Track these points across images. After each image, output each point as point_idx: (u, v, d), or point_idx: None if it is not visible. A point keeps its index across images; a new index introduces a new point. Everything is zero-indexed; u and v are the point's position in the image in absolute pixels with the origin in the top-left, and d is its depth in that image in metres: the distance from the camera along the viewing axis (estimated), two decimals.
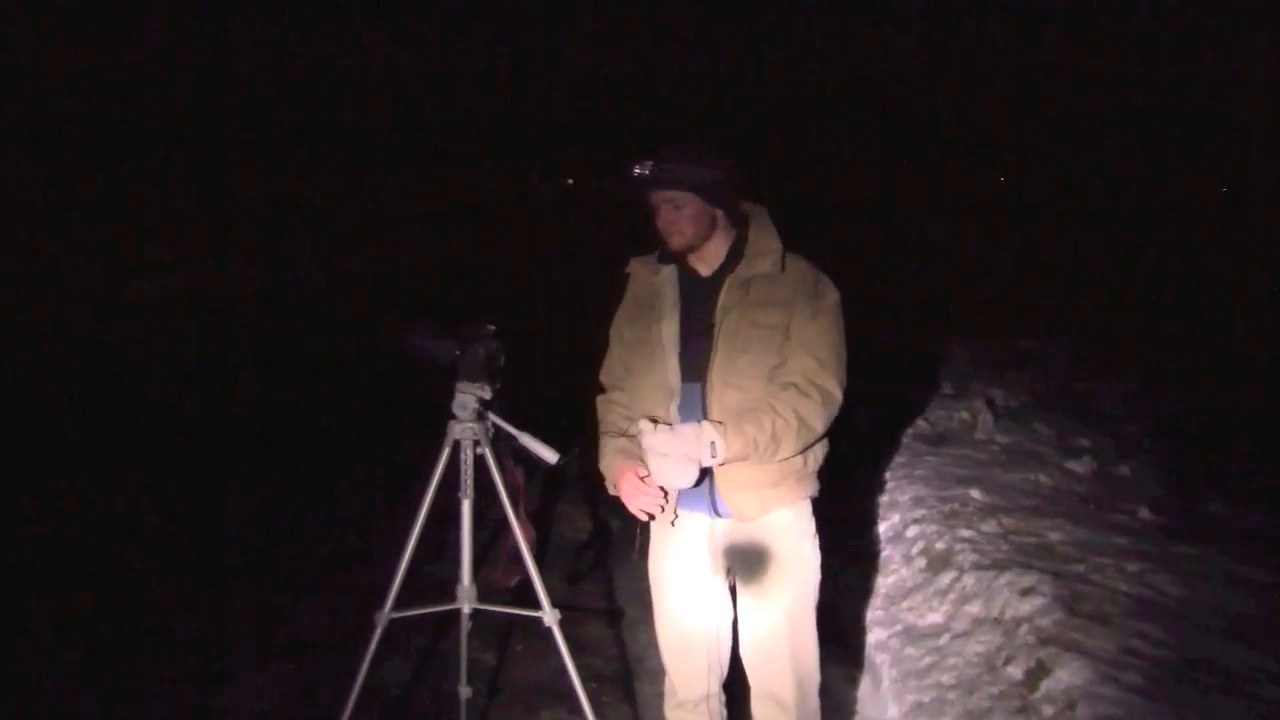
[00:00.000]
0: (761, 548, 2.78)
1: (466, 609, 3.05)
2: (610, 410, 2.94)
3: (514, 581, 3.02)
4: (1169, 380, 7.99)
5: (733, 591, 2.90)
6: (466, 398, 2.83)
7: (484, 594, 3.10)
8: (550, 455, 2.80)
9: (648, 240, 2.84)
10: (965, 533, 4.52)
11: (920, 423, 6.60)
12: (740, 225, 2.76)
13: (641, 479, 2.70)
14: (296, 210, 26.30)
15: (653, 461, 2.55)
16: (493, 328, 2.89)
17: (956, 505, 4.91)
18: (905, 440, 6.26)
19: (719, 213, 2.68)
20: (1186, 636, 3.44)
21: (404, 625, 3.08)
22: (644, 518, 2.78)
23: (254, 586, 4.93)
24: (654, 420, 2.60)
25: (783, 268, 2.68)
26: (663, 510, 2.74)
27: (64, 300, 14.50)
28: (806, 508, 2.82)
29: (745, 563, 2.81)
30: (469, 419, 2.84)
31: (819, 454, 2.79)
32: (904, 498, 5.20)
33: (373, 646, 2.95)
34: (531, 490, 5.41)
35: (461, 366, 2.82)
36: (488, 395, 2.84)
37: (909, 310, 12.20)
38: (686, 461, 2.52)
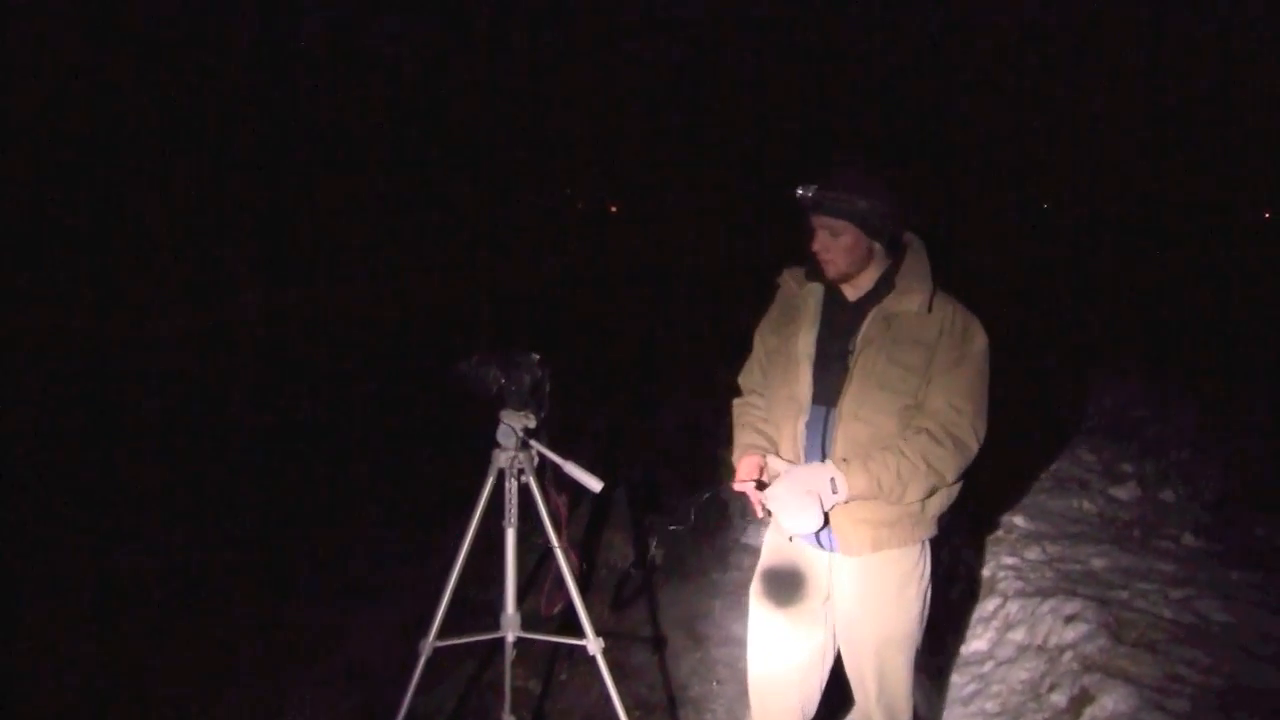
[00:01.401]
0: (864, 583, 2.77)
1: (511, 637, 3.07)
2: (747, 411, 2.94)
3: (557, 609, 3.05)
4: (1214, 404, 7.89)
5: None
6: (510, 427, 2.86)
7: (528, 622, 3.13)
8: (594, 483, 2.82)
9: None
10: (1009, 559, 4.50)
11: None
12: (897, 256, 2.72)
13: (760, 484, 2.70)
14: (342, 231, 26.56)
15: (774, 504, 2.55)
16: (538, 356, 2.92)
17: (1000, 532, 4.88)
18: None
19: (877, 245, 2.66)
20: (1233, 663, 3.40)
21: (449, 653, 3.11)
22: (756, 509, 2.75)
23: (299, 615, 4.98)
24: (758, 482, 2.61)
25: (930, 309, 2.63)
26: (758, 501, 2.71)
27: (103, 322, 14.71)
28: (918, 550, 2.78)
29: (847, 596, 2.80)
30: (513, 447, 2.87)
31: (942, 499, 2.73)
32: (947, 524, 5.17)
33: (417, 675, 2.98)
34: (575, 518, 5.45)
35: (506, 395, 2.86)
36: (532, 424, 2.88)
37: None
38: (806, 497, 2.52)
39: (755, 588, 2.94)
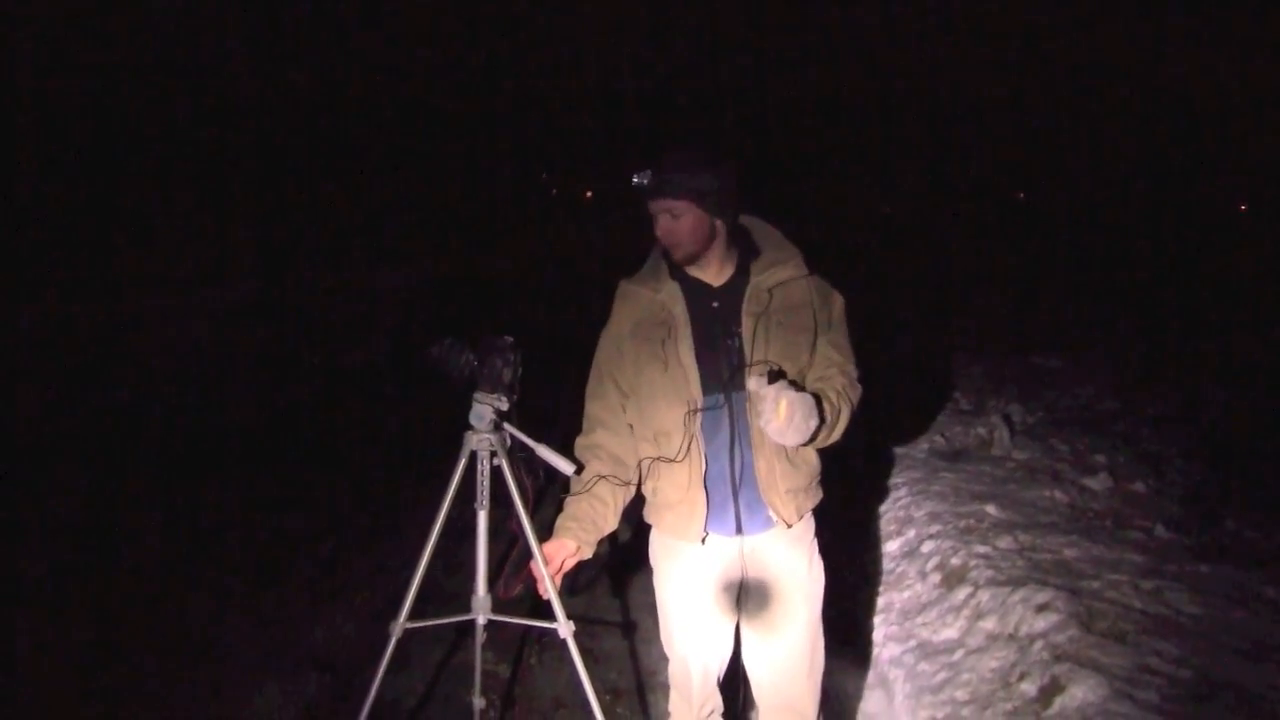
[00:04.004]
0: (785, 561, 2.80)
1: (481, 620, 3.06)
2: (589, 459, 2.84)
3: (516, 591, 3.03)
4: (1186, 397, 7.95)
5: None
6: (484, 408, 2.84)
7: (499, 605, 3.11)
8: (567, 466, 2.80)
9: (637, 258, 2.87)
10: (981, 548, 4.51)
11: (937, 438, 6.59)
12: (743, 238, 2.79)
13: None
14: (306, 220, 26.40)
15: (787, 412, 2.43)
16: (510, 339, 2.90)
17: (972, 521, 4.90)
18: (921, 455, 6.24)
19: (718, 222, 2.68)
20: (1204, 655, 3.42)
21: (419, 636, 3.09)
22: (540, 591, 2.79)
23: (266, 597, 4.95)
24: (769, 373, 2.56)
25: (809, 271, 2.74)
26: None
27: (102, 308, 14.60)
28: (813, 517, 2.87)
29: (768, 578, 2.82)
30: (486, 430, 2.85)
31: (821, 460, 2.83)
32: (920, 513, 5.19)
33: (387, 657, 2.96)
34: (545, 502, 5.44)
35: (479, 377, 2.84)
36: (505, 406, 2.86)
37: (924, 324, 12.20)
38: (810, 403, 2.47)
39: (672, 591, 2.92)
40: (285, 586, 5.08)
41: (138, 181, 21.90)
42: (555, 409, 3.43)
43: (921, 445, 6.48)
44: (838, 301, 2.81)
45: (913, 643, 4.06)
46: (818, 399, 2.53)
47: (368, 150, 30.66)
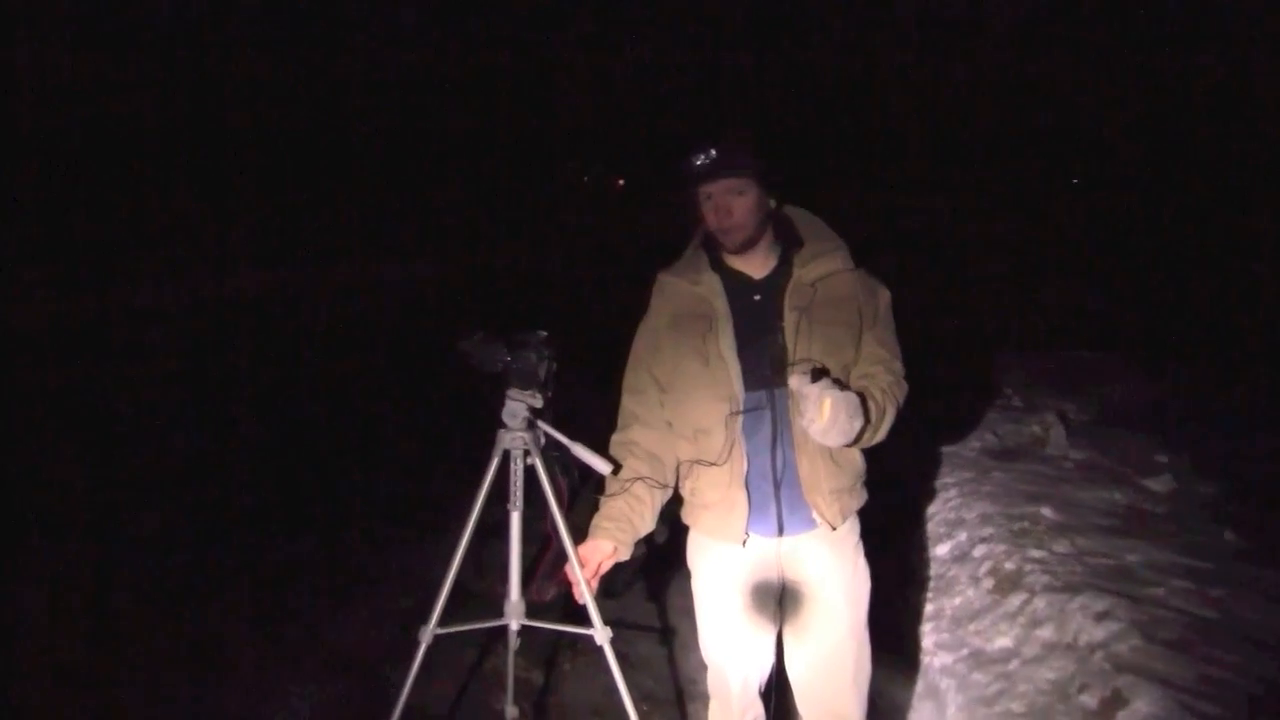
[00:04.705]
0: (828, 563, 2.78)
1: (514, 625, 3.05)
2: (624, 455, 2.84)
3: (550, 596, 3.02)
4: (1252, 393, 7.83)
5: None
6: (517, 405, 2.83)
7: (531, 610, 3.10)
8: (603, 465, 2.79)
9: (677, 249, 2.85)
10: (1036, 553, 4.45)
11: (988, 436, 6.52)
12: (786, 228, 2.77)
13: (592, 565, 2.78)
14: (325, 211, 26.58)
15: (831, 413, 2.42)
16: (544, 334, 2.89)
17: (1027, 524, 4.84)
18: (971, 455, 6.18)
19: (772, 205, 2.70)
20: (1273, 667, 3.36)
21: (449, 642, 3.08)
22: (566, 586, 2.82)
23: (293, 601, 4.97)
24: (812, 370, 2.54)
25: (855, 263, 2.73)
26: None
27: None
28: (858, 517, 2.85)
29: (810, 581, 2.80)
30: (519, 427, 2.84)
31: (867, 459, 2.81)
32: (971, 515, 5.14)
33: (416, 663, 2.96)
34: (580, 502, 5.42)
35: (512, 373, 2.83)
36: (539, 403, 2.84)
37: (972, 316, 12.09)
38: (856, 404, 2.46)
39: (710, 594, 2.92)
40: (307, 589, 5.09)
41: (136, 170, 22.14)
42: (590, 406, 3.41)
43: (971, 443, 6.42)
44: (884, 295, 2.78)
45: (964, 651, 4.02)
46: (862, 398, 2.52)
47: (389, 140, 30.88)
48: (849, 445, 2.54)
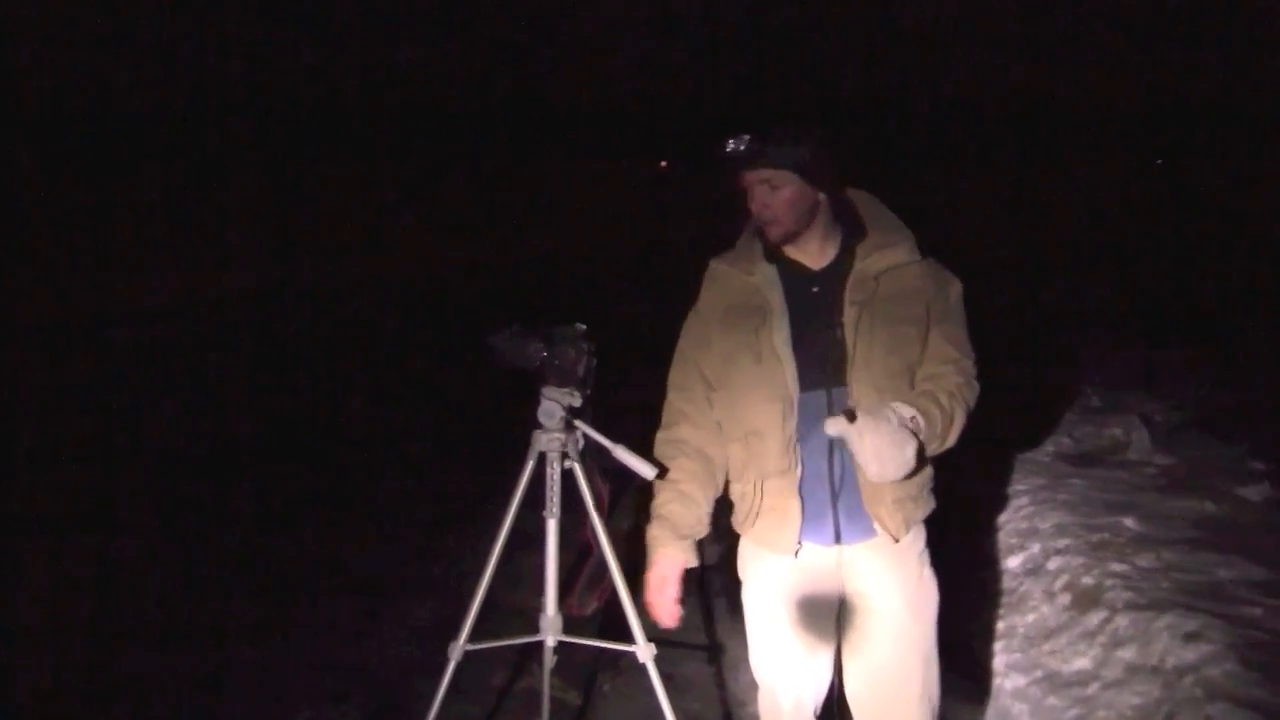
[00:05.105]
0: (890, 574, 2.76)
1: (550, 641, 3.06)
2: (674, 454, 2.82)
3: (590, 610, 3.02)
4: None
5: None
6: (553, 405, 2.83)
7: (569, 625, 3.10)
8: (648, 469, 2.78)
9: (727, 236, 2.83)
10: (1117, 567, 4.41)
11: (1064, 439, 6.47)
12: (849, 214, 2.75)
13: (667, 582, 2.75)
14: (364, 198, 26.78)
15: (872, 449, 2.42)
16: (583, 327, 2.89)
17: (1107, 535, 4.79)
18: (1046, 459, 6.13)
19: (821, 197, 2.65)
20: None
21: (480, 659, 3.09)
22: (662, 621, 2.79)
23: (309, 613, 5.00)
24: (846, 411, 2.50)
25: (921, 255, 2.70)
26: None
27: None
28: (924, 527, 2.83)
29: (871, 594, 2.78)
30: (556, 428, 2.84)
31: (933, 469, 2.78)
32: (1045, 525, 5.09)
33: (445, 682, 2.97)
34: (620, 509, 5.42)
35: (548, 370, 2.83)
36: (577, 402, 2.84)
37: (1047, 309, 11.99)
38: (900, 433, 2.43)
39: (760, 607, 2.90)
40: (327, 603, 5.12)
41: (131, 161, 22.50)
42: (633, 405, 3.41)
43: (1046, 447, 6.37)
44: (955, 287, 2.76)
45: (1039, 673, 3.99)
46: (923, 409, 2.51)
47: (399, 118, 31.16)
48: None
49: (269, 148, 25.82)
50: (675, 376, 2.88)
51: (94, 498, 6.62)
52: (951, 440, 2.63)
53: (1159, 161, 45.77)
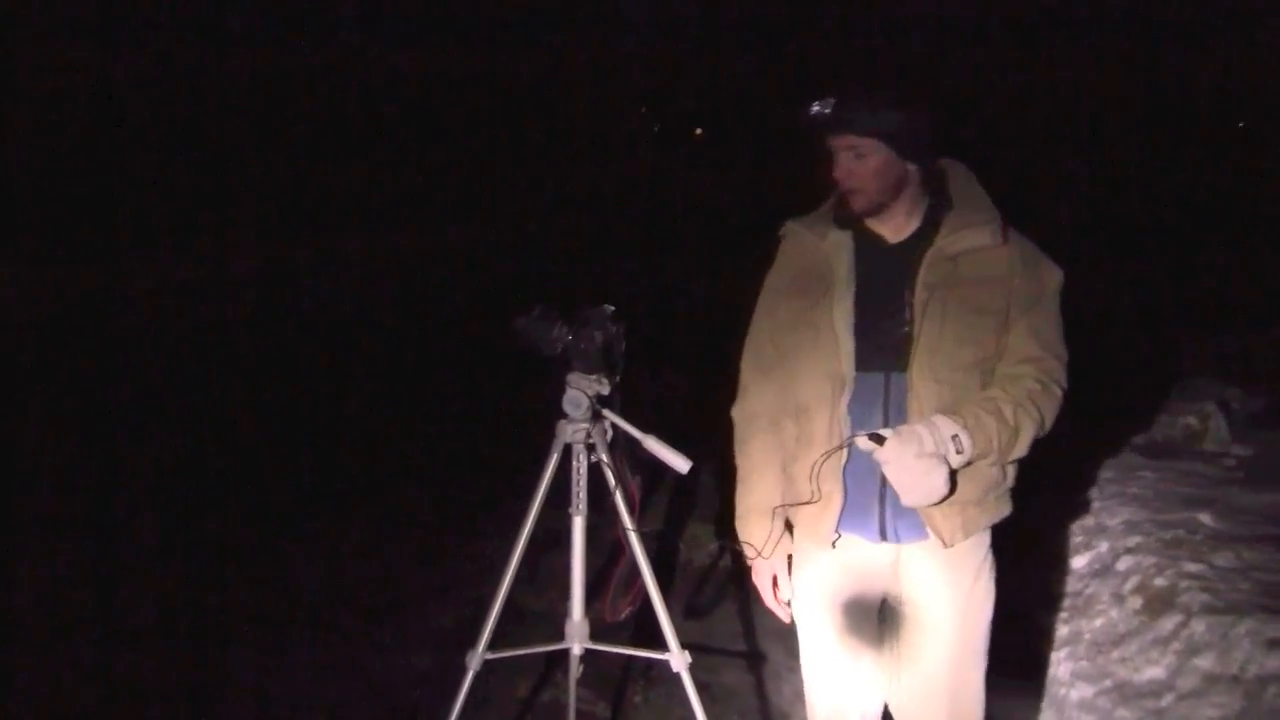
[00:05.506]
0: (940, 579, 2.74)
1: (577, 649, 3.06)
2: (750, 432, 2.87)
3: (624, 615, 3.03)
4: None
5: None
6: (579, 393, 2.83)
7: (596, 631, 3.10)
8: (681, 462, 2.78)
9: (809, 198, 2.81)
10: (1193, 567, 4.38)
11: (1133, 429, 6.43)
12: (936, 186, 2.71)
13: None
14: (372, 173, 26.84)
15: (894, 475, 2.47)
16: (611, 308, 2.88)
17: (1182, 532, 4.76)
18: (1114, 450, 6.10)
19: (911, 168, 2.62)
20: None
21: (501, 668, 3.10)
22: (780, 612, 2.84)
23: (318, 622, 5.01)
24: (873, 434, 2.51)
25: (1004, 239, 2.63)
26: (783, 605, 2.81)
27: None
28: (989, 533, 2.80)
29: (915, 598, 2.78)
30: (582, 418, 2.84)
31: (1017, 469, 2.74)
32: (1114, 522, 5.07)
33: (463, 694, 2.98)
34: (651, 505, 5.42)
35: (574, 355, 2.82)
36: (605, 390, 2.84)
37: (1115, 288, 11.92)
38: (929, 460, 2.44)
39: (803, 605, 2.91)
40: (335, 608, 5.13)
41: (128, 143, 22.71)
42: (666, 393, 3.41)
43: (1114, 437, 6.33)
44: (1052, 277, 2.70)
45: (1108, 683, 3.97)
46: (989, 417, 2.51)
47: (411, 86, 31.29)
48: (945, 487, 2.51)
49: (272, 127, 25.97)
50: (747, 344, 2.91)
51: (93, 498, 6.67)
52: (1017, 453, 2.61)
53: (1240, 125, 45.39)
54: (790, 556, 2.84)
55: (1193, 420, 6.47)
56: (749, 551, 2.82)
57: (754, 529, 2.81)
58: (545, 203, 26.73)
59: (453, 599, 5.05)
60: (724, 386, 2.96)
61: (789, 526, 2.86)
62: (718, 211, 24.01)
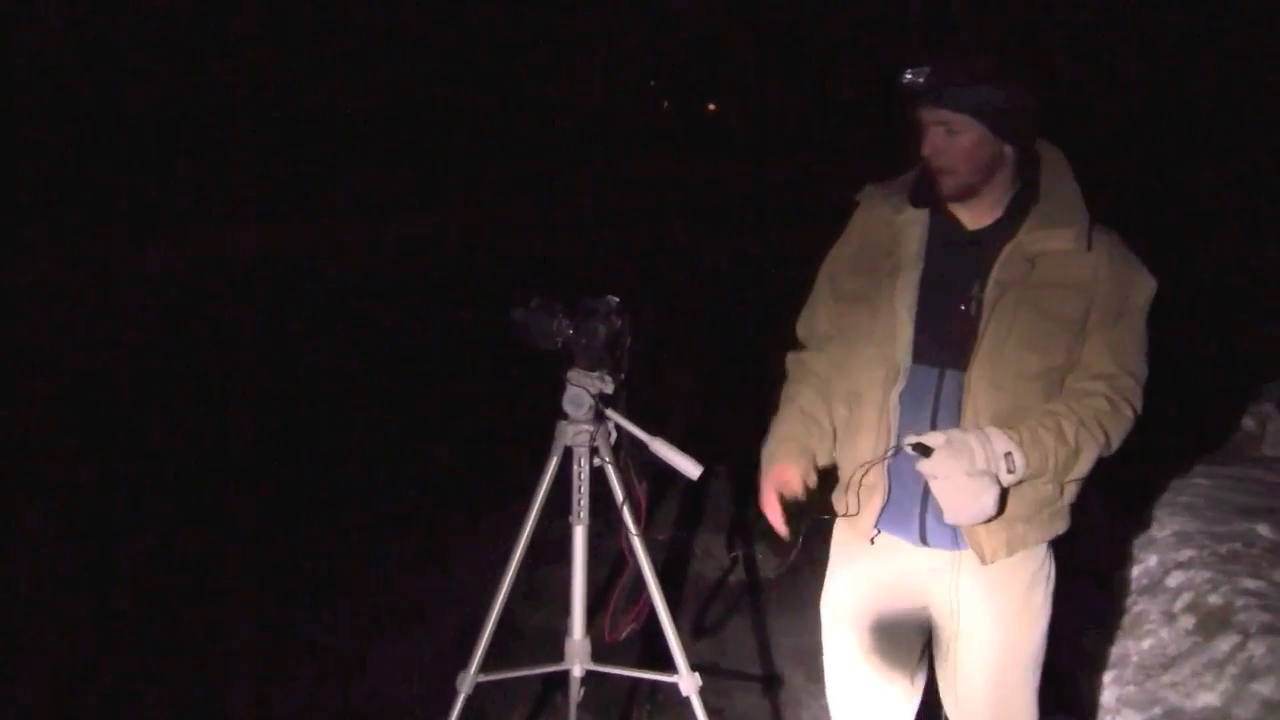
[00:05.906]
0: (981, 592, 2.73)
1: (578, 670, 3.05)
2: (801, 376, 2.91)
3: (625, 634, 3.02)
4: None
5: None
6: (580, 391, 2.82)
7: (598, 651, 3.09)
8: (691, 467, 2.77)
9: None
10: (1250, 583, 4.37)
11: (1185, 431, 6.42)
12: (1030, 173, 2.66)
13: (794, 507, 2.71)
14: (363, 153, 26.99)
15: (941, 492, 2.46)
16: (615, 300, 2.86)
17: (1238, 545, 4.75)
18: (1164, 455, 6.08)
19: (1008, 150, 2.57)
20: None
21: (495, 690, 3.09)
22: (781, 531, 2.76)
23: (302, 640, 5.00)
24: (919, 444, 2.48)
25: (1089, 245, 2.57)
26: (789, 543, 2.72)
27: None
28: (1047, 547, 2.77)
29: (957, 612, 2.76)
30: (584, 419, 2.83)
31: (1078, 486, 2.71)
32: (1164, 534, 5.05)
33: (454, 718, 2.97)
34: (658, 513, 5.42)
35: (575, 350, 2.81)
36: (609, 388, 2.83)
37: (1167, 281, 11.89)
38: (981, 479, 2.43)
39: (833, 607, 2.91)
40: (318, 625, 5.13)
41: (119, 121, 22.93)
42: (683, 392, 3.40)
43: (1165, 441, 6.31)
44: (1142, 288, 2.64)
45: (1158, 710, 3.95)
46: (1048, 436, 2.49)
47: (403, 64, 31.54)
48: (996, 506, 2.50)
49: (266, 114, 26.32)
50: (805, 311, 2.96)
51: (93, 498, 6.70)
52: (1076, 475, 2.60)
53: None
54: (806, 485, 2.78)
55: (1250, 423, 6.47)
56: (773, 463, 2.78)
57: (774, 456, 2.79)
58: (548, 187, 26.80)
59: (446, 615, 5.04)
60: (738, 385, 2.96)
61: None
62: (738, 193, 24.06)
